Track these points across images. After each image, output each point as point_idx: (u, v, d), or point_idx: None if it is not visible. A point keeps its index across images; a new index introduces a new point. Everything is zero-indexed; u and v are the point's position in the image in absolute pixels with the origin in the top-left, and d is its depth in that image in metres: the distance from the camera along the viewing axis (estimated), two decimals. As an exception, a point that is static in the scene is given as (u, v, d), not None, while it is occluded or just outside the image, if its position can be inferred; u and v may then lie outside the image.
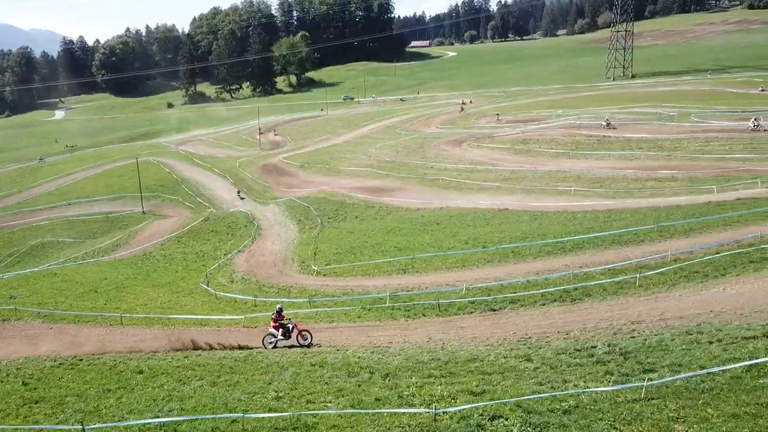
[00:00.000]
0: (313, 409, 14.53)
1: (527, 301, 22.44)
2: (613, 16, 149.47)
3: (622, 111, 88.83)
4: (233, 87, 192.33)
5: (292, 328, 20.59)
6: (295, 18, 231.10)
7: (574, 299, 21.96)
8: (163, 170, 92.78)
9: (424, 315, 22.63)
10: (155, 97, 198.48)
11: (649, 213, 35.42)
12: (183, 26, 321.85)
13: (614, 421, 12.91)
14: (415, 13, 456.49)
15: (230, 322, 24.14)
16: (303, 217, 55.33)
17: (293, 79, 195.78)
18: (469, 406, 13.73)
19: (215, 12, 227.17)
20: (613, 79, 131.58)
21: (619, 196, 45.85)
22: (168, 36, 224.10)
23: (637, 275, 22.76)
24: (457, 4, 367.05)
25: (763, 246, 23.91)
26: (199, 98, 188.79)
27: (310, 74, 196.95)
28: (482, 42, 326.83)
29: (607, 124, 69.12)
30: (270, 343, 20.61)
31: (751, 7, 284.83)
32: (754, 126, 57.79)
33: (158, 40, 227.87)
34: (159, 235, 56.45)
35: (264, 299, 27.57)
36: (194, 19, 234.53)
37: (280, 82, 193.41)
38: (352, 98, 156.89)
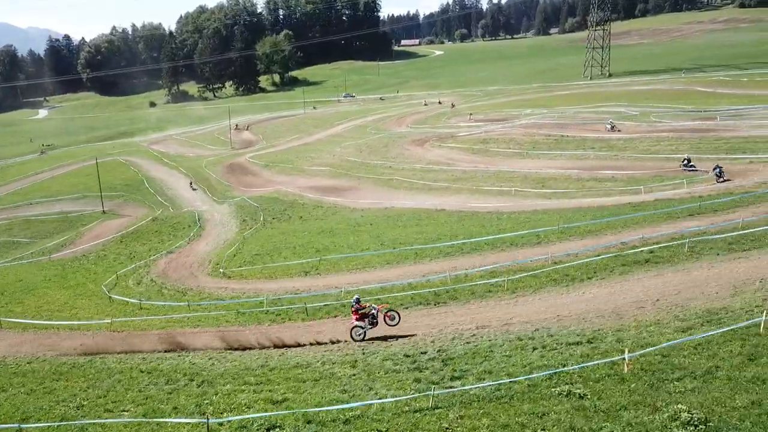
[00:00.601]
0: (108, 418, 14.28)
1: (394, 305, 22.16)
2: (590, 17, 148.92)
3: (587, 110, 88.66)
4: (216, 86, 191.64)
5: (377, 312, 19.51)
6: (281, 16, 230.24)
7: (438, 303, 21.71)
8: (130, 169, 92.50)
9: (290, 319, 22.35)
10: (139, 96, 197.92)
11: (568, 214, 35.20)
12: (169, 24, 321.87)
13: (386, 432, 12.70)
14: (408, 11, 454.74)
15: (97, 326, 23.87)
16: (248, 217, 55.05)
17: (277, 77, 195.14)
18: (250, 416, 13.48)
19: (201, 10, 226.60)
20: (591, 78, 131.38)
21: (555, 196, 45.56)
22: (154, 34, 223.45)
23: (506, 279, 22.47)
24: (448, 3, 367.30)
25: (642, 248, 23.66)
26: (182, 97, 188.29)
27: (294, 73, 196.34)
28: (473, 41, 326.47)
29: (612, 127, 64.33)
30: (359, 335, 19.37)
31: (741, 5, 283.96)
32: None
33: (144, 39, 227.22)
34: (105, 235, 56.11)
35: (151, 303, 27.31)
36: (180, 17, 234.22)
37: (264, 81, 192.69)
38: (353, 96, 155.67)
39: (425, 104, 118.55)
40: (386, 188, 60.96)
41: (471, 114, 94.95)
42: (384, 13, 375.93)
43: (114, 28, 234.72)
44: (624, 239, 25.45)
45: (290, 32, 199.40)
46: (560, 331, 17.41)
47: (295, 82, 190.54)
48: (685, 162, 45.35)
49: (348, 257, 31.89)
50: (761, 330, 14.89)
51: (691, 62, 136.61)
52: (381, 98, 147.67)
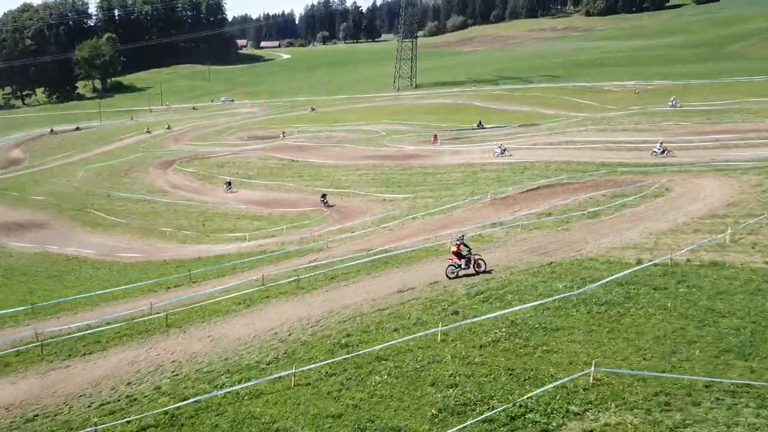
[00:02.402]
0: None
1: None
2: (399, 28, 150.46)
3: (356, 128, 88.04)
4: (25, 92, 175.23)
5: (472, 258, 21.11)
6: (115, 17, 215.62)
7: None
8: None
9: None
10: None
11: (131, 271, 32.41)
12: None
13: None
14: (283, 11, 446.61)
15: None
16: None
17: (98, 83, 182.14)
18: None
19: (24, 8, 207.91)
20: (398, 90, 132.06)
21: (191, 240, 42.99)
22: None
23: None
24: (313, 4, 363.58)
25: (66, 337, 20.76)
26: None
27: (125, 78, 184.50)
28: (335, 43, 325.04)
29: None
30: (452, 273, 20.96)
31: (587, 14, 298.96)
32: (660, 151, 43.91)
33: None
34: None
35: None
36: (4, 14, 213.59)
37: (83, 87, 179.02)
38: (232, 100, 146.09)
39: (148, 131, 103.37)
40: (76, 225, 55.91)
41: (284, 132, 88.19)
42: (257, 12, 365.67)
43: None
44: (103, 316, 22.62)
45: (113, 35, 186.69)
46: None
47: (119, 88, 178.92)
48: (227, 185, 54.54)
49: None
50: None
51: (496, 73, 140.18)
52: (194, 107, 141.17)
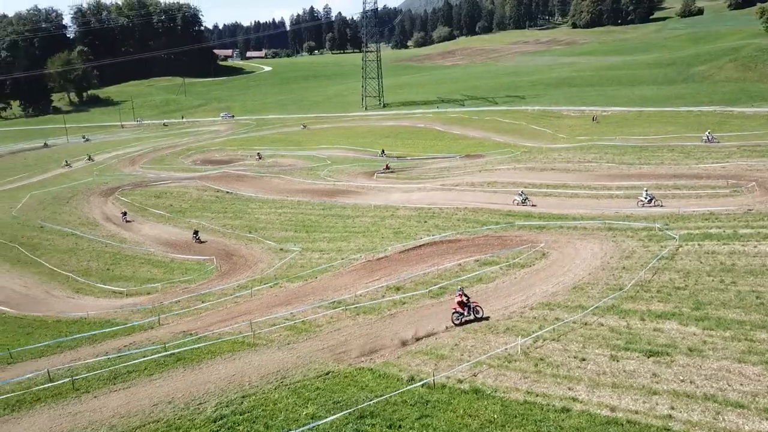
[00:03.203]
0: None
1: None
2: (363, 47, 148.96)
3: (309, 154, 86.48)
4: (0, 106, 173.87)
5: (472, 305, 23.60)
6: (91, 28, 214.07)
7: None
8: None
9: None
10: None
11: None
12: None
13: None
14: (273, 19, 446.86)
15: None
16: None
17: (74, 96, 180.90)
18: None
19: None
20: (366, 109, 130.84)
21: (79, 291, 41.76)
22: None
23: None
24: (298, 14, 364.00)
25: None
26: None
27: (98, 91, 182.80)
28: (321, 53, 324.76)
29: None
30: (457, 319, 23.19)
31: (573, 26, 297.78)
32: (647, 200, 40.97)
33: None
34: None
35: None
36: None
37: (58, 100, 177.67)
38: (232, 116, 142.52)
39: (67, 164, 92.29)
40: (-4, 261, 54.73)
41: (259, 154, 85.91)
42: (248, 20, 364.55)
43: None
44: None
45: (85, 48, 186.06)
46: None
47: (96, 102, 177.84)
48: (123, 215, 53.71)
49: None
50: None
51: (467, 91, 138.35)
52: (164, 124, 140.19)
